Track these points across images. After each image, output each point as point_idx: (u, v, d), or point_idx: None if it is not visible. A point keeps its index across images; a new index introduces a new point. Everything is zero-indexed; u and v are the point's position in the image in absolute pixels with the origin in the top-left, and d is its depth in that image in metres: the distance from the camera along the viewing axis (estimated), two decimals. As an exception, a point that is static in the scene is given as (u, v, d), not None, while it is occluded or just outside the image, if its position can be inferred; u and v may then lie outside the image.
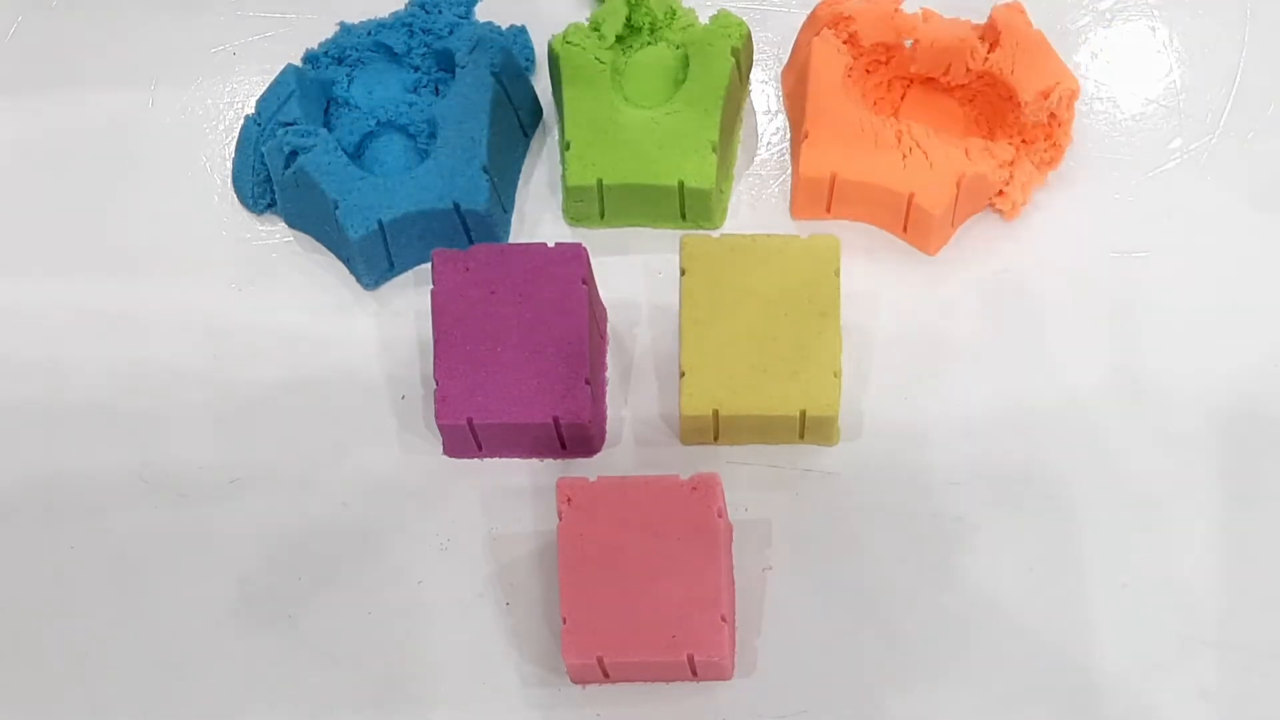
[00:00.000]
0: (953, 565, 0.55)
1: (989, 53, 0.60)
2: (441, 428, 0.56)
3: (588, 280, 0.56)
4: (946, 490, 0.56)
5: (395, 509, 0.57)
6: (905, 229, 0.60)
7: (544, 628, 0.55)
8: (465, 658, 0.55)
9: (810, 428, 0.56)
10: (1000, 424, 0.57)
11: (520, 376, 0.55)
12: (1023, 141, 0.61)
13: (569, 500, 0.52)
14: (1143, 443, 0.57)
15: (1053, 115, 0.60)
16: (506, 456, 0.58)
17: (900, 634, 0.55)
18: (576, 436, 0.56)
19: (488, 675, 0.55)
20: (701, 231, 0.61)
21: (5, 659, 0.55)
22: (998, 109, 0.61)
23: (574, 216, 0.61)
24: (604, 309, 0.59)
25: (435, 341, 0.56)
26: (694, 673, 0.53)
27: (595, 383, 0.57)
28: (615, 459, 0.58)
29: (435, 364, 0.56)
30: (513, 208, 0.62)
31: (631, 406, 0.58)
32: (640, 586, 0.51)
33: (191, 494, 0.57)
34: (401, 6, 0.64)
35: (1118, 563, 0.55)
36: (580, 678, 0.54)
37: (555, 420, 0.55)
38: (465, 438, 0.56)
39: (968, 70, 0.61)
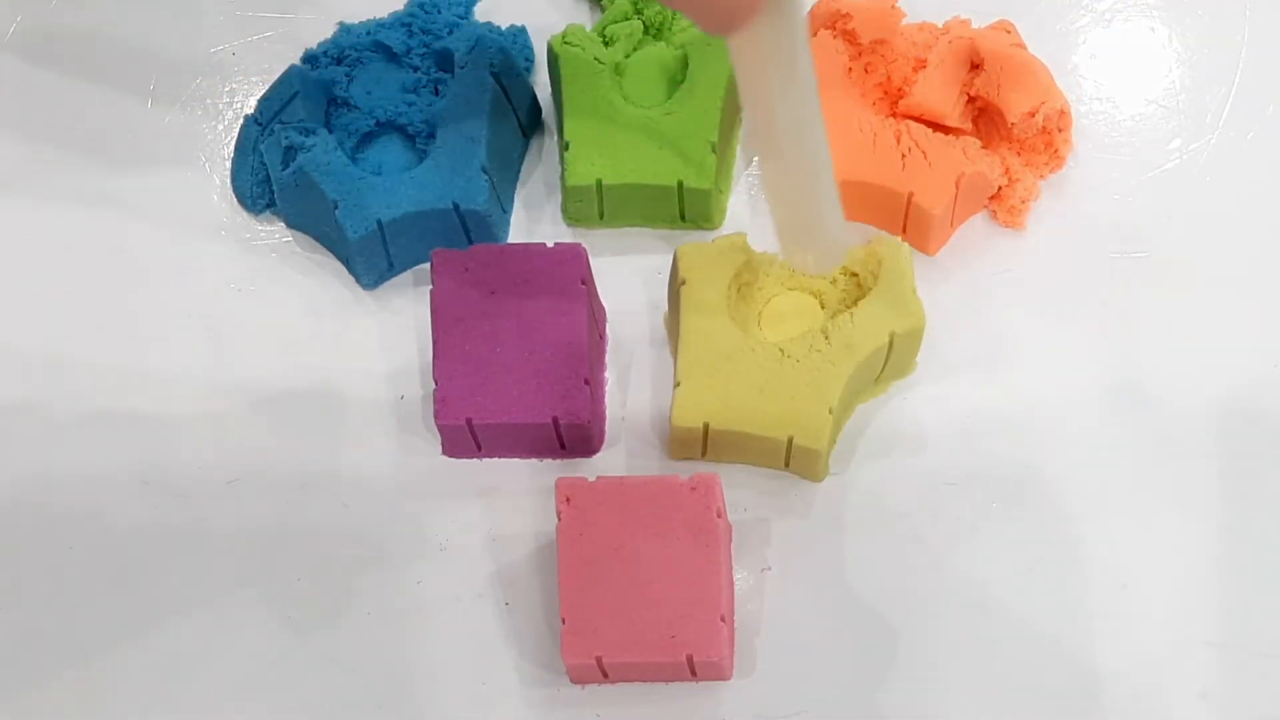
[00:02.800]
0: (952, 565, 0.55)
1: (974, 77, 0.60)
2: (441, 428, 0.56)
3: (587, 280, 0.56)
4: (945, 490, 0.56)
5: (394, 509, 0.57)
6: (905, 229, 0.60)
7: (544, 628, 0.55)
8: (465, 658, 0.55)
9: (796, 456, 0.56)
10: (1000, 424, 0.57)
11: (520, 377, 0.55)
12: (1020, 151, 0.61)
13: (568, 500, 0.52)
14: (1142, 443, 0.57)
15: (1046, 130, 0.60)
16: (506, 456, 0.58)
17: (900, 634, 0.54)
18: (576, 437, 0.56)
19: (488, 675, 0.54)
20: (699, 233, 0.61)
21: (5, 659, 0.55)
22: (994, 122, 0.61)
23: (573, 217, 0.61)
24: (603, 309, 0.59)
25: (434, 341, 0.56)
26: (693, 673, 0.53)
27: (594, 383, 0.57)
28: (614, 459, 0.58)
29: (434, 364, 0.56)
30: (512, 208, 0.62)
31: (630, 407, 0.58)
32: (639, 586, 0.51)
33: (191, 494, 0.57)
34: (401, 6, 0.64)
35: (1118, 563, 0.55)
36: (580, 678, 0.54)
37: (555, 420, 0.55)
38: (465, 438, 0.56)
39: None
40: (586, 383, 0.55)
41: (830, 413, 0.54)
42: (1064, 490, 0.56)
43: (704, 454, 0.57)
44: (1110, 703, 0.54)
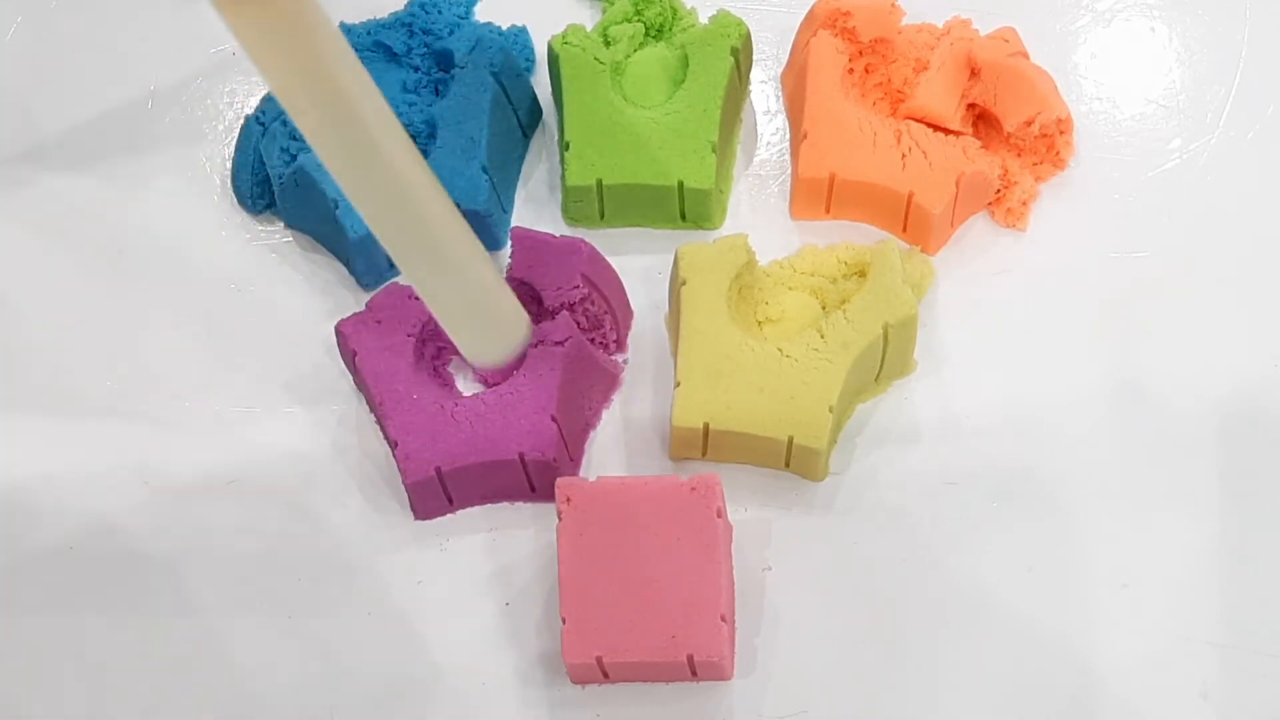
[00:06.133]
0: (953, 565, 0.55)
1: (973, 84, 0.60)
2: (409, 487, 0.55)
3: (588, 277, 0.56)
4: (945, 490, 0.56)
5: (395, 509, 0.57)
6: (905, 229, 0.60)
7: (544, 628, 0.55)
8: (465, 658, 0.55)
9: (796, 456, 0.56)
10: (1000, 424, 0.57)
11: (483, 419, 0.55)
12: (1020, 154, 0.61)
13: (569, 500, 0.52)
14: (1142, 443, 0.57)
15: (1046, 135, 0.60)
16: (479, 505, 0.56)
17: (900, 634, 0.54)
18: (544, 476, 0.55)
19: (488, 675, 0.54)
20: (699, 233, 0.61)
21: (5, 659, 0.55)
22: (994, 125, 0.61)
23: (573, 217, 0.61)
24: (629, 311, 0.59)
25: (380, 404, 0.55)
26: (694, 673, 0.53)
27: (564, 422, 0.55)
28: (614, 460, 0.58)
29: (385, 425, 0.55)
30: (512, 208, 0.62)
31: (630, 408, 0.58)
32: (640, 586, 0.51)
33: (191, 494, 0.57)
34: (401, 6, 0.64)
35: (1118, 563, 0.55)
36: (580, 678, 0.53)
37: (520, 457, 0.54)
38: (435, 492, 0.55)
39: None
40: (553, 419, 0.54)
41: (830, 411, 0.54)
42: (1064, 490, 0.56)
43: (704, 454, 0.57)
44: (1110, 703, 0.54)
